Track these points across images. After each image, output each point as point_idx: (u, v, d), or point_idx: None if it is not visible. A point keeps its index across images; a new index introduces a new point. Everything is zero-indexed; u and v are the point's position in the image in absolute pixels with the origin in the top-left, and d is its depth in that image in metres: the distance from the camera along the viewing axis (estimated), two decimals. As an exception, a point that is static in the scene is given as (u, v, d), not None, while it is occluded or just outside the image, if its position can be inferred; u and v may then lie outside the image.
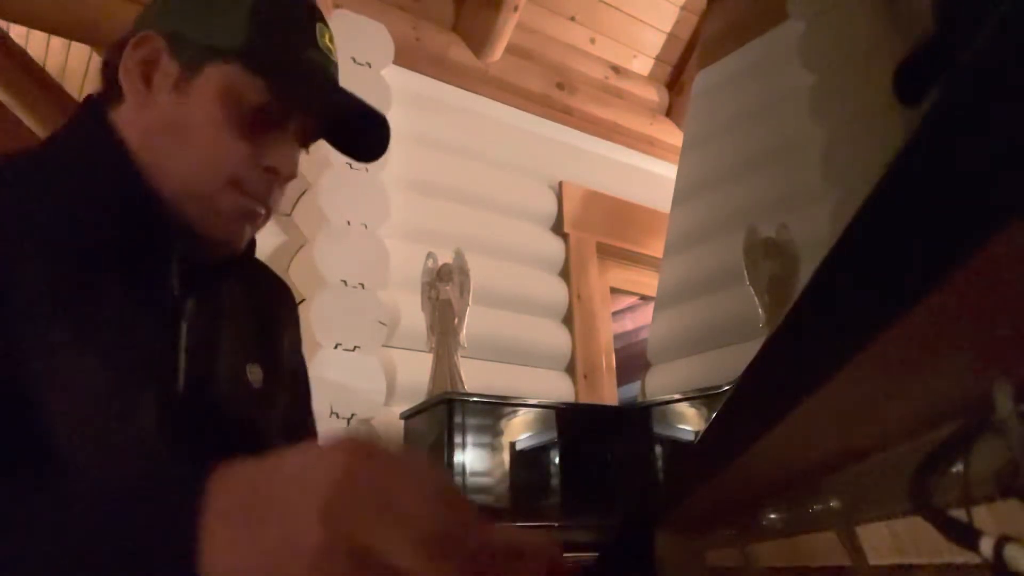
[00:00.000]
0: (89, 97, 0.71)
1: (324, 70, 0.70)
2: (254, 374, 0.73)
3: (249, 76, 0.65)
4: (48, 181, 0.64)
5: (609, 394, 2.45)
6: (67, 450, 0.56)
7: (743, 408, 0.44)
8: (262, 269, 0.83)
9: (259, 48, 0.66)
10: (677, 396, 1.75)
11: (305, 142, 0.73)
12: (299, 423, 0.84)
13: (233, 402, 0.70)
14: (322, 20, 0.72)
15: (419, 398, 1.75)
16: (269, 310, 0.81)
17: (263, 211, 0.70)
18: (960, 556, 0.33)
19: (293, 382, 0.83)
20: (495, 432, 1.63)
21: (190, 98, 0.65)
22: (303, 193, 1.92)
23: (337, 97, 0.71)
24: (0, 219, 0.59)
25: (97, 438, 0.57)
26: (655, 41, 2.92)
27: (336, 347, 1.78)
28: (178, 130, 0.66)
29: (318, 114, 0.72)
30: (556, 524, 1.61)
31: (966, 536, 0.30)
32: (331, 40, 0.73)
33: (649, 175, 2.88)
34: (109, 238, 0.63)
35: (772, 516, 0.58)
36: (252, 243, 0.75)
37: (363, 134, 0.74)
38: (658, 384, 2.16)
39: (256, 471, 0.38)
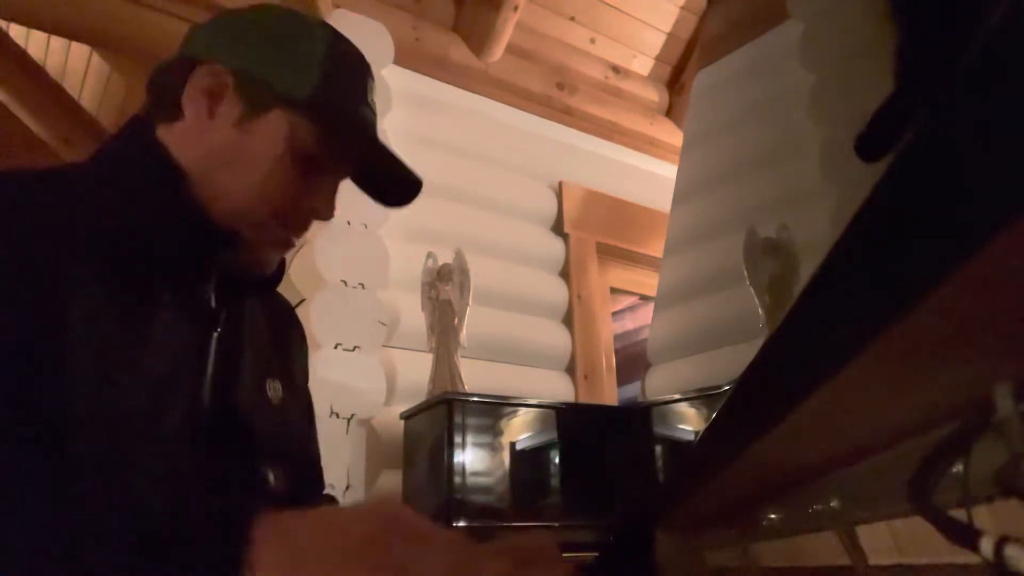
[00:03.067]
0: (136, 116, 0.73)
1: (371, 125, 0.76)
2: (274, 389, 0.77)
3: (309, 125, 0.70)
4: (103, 192, 0.66)
5: (609, 394, 2.45)
6: (96, 446, 0.57)
7: (743, 408, 0.44)
8: (277, 294, 0.87)
9: (322, 101, 0.71)
10: (677, 396, 1.75)
11: (338, 181, 0.78)
12: (307, 448, 0.87)
13: (253, 413, 0.73)
14: (372, 75, 0.77)
15: (419, 398, 1.75)
16: (284, 333, 0.85)
17: (296, 243, 0.75)
18: (960, 556, 0.33)
19: (307, 408, 0.87)
20: (495, 432, 1.63)
21: (252, 135, 0.70)
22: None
23: (382, 153, 0.76)
24: (59, 222, 0.61)
25: (129, 437, 0.60)
26: (655, 41, 2.92)
27: (336, 347, 1.78)
28: (236, 161, 0.70)
29: (363, 167, 0.77)
30: (556, 524, 1.61)
31: (966, 536, 0.30)
32: (375, 93, 0.78)
33: (649, 175, 2.88)
34: (159, 247, 0.67)
35: (772, 516, 0.58)
36: (282, 268, 0.79)
37: (391, 183, 0.80)
38: (658, 384, 2.16)
39: (296, 520, 0.45)
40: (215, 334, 0.70)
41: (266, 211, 0.71)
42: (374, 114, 0.77)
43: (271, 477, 0.73)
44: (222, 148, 0.70)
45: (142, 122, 0.73)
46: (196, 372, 0.68)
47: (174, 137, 0.70)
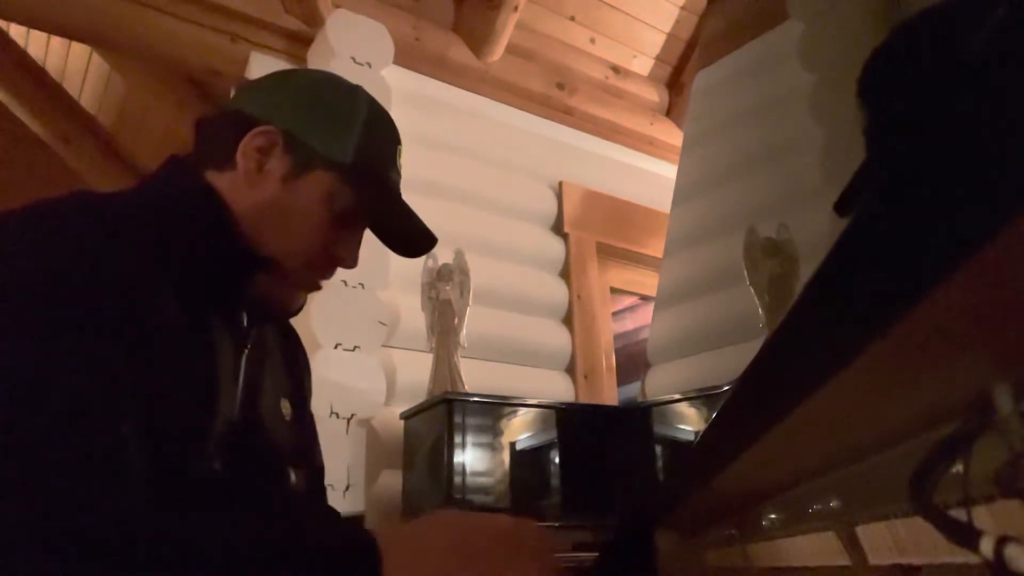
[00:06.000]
0: (176, 156, 0.80)
1: (398, 188, 0.85)
2: (286, 407, 0.84)
3: (345, 186, 0.79)
4: (160, 221, 0.72)
5: (609, 394, 2.45)
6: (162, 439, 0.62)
7: (743, 408, 0.44)
8: (287, 323, 0.95)
9: (359, 166, 0.79)
10: (677, 396, 1.75)
11: (362, 232, 0.87)
12: (317, 459, 0.94)
13: (273, 424, 0.80)
14: (400, 141, 0.87)
15: (419, 398, 1.75)
16: (295, 361, 0.93)
17: (322, 286, 0.84)
18: (960, 556, 0.33)
19: (313, 429, 0.94)
20: (495, 432, 1.63)
21: (296, 191, 0.78)
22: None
23: (404, 213, 0.85)
24: (137, 243, 0.67)
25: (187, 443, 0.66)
26: (655, 41, 2.92)
27: (336, 347, 1.78)
28: (281, 214, 0.78)
29: (388, 225, 0.86)
30: (556, 524, 1.61)
31: (966, 536, 0.30)
32: (401, 157, 0.87)
33: (649, 175, 2.88)
34: (208, 271, 0.73)
35: (772, 516, 0.58)
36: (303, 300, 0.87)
37: (408, 237, 0.88)
38: (658, 384, 2.16)
39: (408, 532, 0.57)
40: (245, 353, 0.78)
41: (305, 259, 0.79)
42: (399, 177, 0.86)
43: (293, 477, 0.81)
44: (268, 201, 0.77)
45: (186, 164, 0.80)
46: (230, 384, 0.75)
47: (224, 184, 0.78)
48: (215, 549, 0.50)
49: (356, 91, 0.84)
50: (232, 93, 0.84)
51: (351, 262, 0.84)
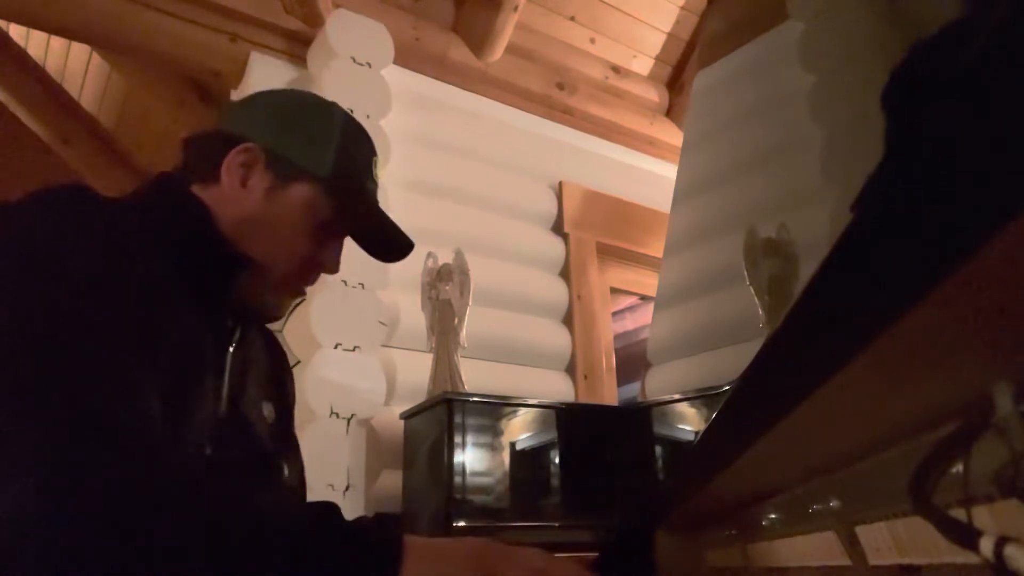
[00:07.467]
0: (165, 173, 0.85)
1: (375, 197, 0.91)
2: (268, 410, 0.87)
3: (325, 197, 0.84)
4: (148, 222, 0.75)
5: (609, 394, 2.45)
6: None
7: (743, 408, 0.44)
8: (267, 330, 0.99)
9: (338, 177, 0.85)
10: (677, 396, 1.75)
11: (343, 240, 0.92)
12: (299, 461, 0.98)
13: (258, 423, 0.83)
14: (375, 152, 0.92)
15: (419, 398, 1.75)
16: (278, 365, 0.97)
17: (306, 292, 0.90)
18: (960, 556, 0.33)
19: (293, 433, 0.97)
20: (495, 432, 1.63)
21: (278, 204, 0.83)
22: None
23: (382, 220, 0.90)
24: (139, 241, 0.70)
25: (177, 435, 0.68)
26: (655, 41, 2.92)
27: (336, 347, 1.78)
28: (265, 225, 0.82)
29: (366, 232, 0.91)
30: (556, 524, 1.61)
31: (966, 536, 0.30)
32: (378, 167, 0.92)
33: (649, 175, 2.88)
34: (196, 271, 0.77)
35: (772, 516, 0.58)
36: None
37: (386, 243, 0.93)
38: (658, 384, 2.16)
39: (429, 542, 0.58)
40: (230, 351, 0.82)
41: (289, 267, 0.84)
42: (376, 186, 0.92)
43: (285, 470, 0.84)
44: (252, 213, 0.82)
45: (175, 178, 0.84)
46: (216, 380, 0.78)
47: (210, 198, 0.82)
48: (246, 521, 0.52)
49: (332, 107, 0.90)
50: (231, 95, 0.89)
51: (333, 267, 0.89)
